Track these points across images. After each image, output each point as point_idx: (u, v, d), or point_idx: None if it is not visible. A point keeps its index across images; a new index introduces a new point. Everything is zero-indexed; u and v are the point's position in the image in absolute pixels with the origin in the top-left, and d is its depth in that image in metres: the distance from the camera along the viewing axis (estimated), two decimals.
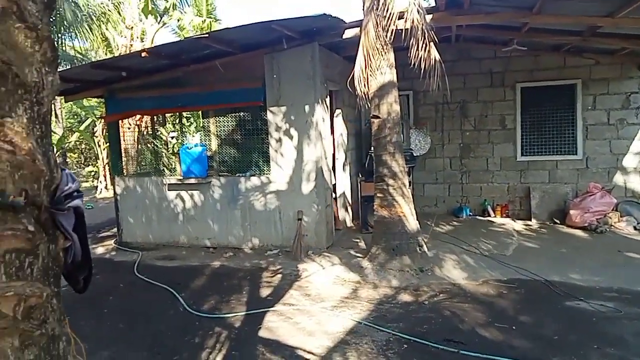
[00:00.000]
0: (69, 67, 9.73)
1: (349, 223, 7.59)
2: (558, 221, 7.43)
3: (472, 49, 8.06)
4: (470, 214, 8.05)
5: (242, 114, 6.88)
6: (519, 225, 7.44)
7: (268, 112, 6.33)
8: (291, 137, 6.29)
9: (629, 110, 7.53)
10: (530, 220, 7.67)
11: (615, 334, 3.63)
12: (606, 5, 5.06)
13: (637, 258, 5.52)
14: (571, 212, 7.07)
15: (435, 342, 3.55)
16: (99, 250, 7.04)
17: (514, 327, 3.81)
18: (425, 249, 5.49)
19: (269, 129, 6.35)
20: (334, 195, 7.12)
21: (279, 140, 6.33)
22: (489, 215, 7.95)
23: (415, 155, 7.95)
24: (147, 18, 11.79)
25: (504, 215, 7.92)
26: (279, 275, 5.31)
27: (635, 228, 6.76)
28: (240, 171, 6.67)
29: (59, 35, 10.09)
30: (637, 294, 4.42)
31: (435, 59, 5.05)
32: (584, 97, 7.69)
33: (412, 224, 5.42)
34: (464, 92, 8.20)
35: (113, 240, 7.43)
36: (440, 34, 5.27)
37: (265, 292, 4.82)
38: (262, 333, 3.84)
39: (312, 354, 3.45)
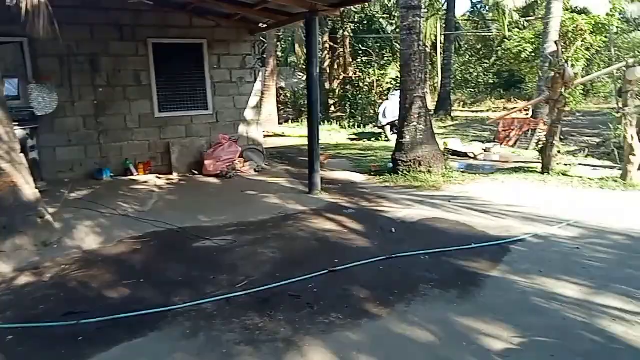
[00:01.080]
0: None
1: None
2: (196, 172, 8.05)
3: None
4: (112, 175, 7.65)
5: None
6: (161, 180, 7.63)
7: None
8: None
9: (246, 70, 8.76)
10: (172, 174, 8.00)
11: (229, 262, 4.20)
12: None
13: (254, 194, 6.63)
14: (206, 162, 7.81)
15: (50, 321, 3.17)
16: None
17: (141, 280, 3.85)
18: (51, 220, 4.84)
19: None
20: None
21: None
22: (132, 174, 7.78)
23: (38, 114, 6.79)
24: None
25: (147, 172, 7.94)
26: None
27: (255, 170, 8.12)
28: None
29: None
30: (249, 223, 5.31)
31: (40, 1, 4.28)
32: (210, 57, 8.40)
33: (29, 194, 4.67)
34: (94, 44, 7.50)
35: None
36: None
37: None
38: None
39: None
